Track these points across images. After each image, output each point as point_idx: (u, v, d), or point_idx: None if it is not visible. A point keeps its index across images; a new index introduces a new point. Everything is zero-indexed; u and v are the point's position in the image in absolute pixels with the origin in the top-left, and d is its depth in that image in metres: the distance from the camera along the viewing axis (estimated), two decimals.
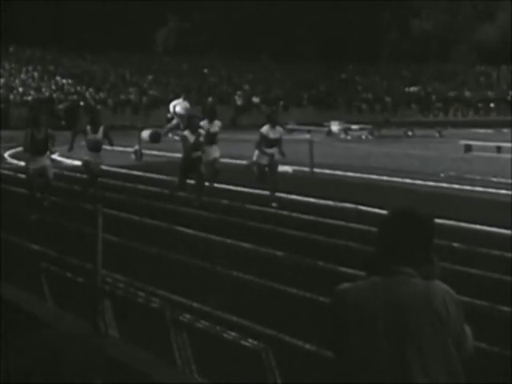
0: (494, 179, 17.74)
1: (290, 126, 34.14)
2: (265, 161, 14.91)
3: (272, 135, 14.84)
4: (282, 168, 16.13)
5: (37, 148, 13.83)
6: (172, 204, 14.07)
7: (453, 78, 60.42)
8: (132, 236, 11.01)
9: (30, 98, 42.05)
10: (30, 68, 46.65)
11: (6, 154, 24.49)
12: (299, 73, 54.43)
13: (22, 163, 15.77)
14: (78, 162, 18.64)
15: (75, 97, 43.71)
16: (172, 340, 5.67)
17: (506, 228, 11.56)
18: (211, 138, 15.63)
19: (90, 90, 45.21)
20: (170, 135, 32.58)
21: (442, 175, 18.93)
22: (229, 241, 10.74)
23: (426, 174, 18.78)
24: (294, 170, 19.12)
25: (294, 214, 13.29)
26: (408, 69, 60.40)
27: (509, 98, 56.74)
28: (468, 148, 26.18)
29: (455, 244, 10.25)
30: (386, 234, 3.07)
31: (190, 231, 11.59)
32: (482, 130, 37.27)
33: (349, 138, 34.70)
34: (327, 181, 18.45)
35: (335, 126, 36.72)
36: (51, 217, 12.39)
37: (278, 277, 8.66)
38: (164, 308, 5.99)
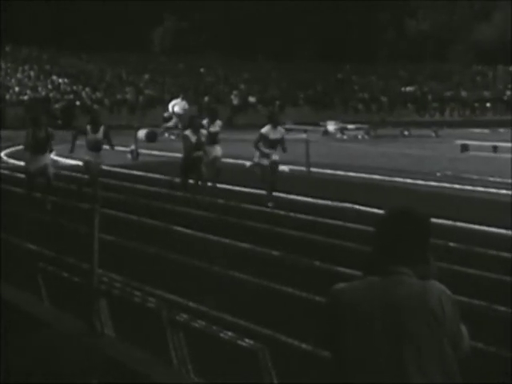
0: (491, 179, 17.76)
1: (287, 126, 34.10)
2: (266, 161, 14.91)
3: (272, 135, 14.82)
4: (279, 167, 16.12)
5: (38, 147, 14.08)
6: (169, 203, 14.07)
7: (449, 77, 60.48)
8: (128, 235, 11.01)
9: (26, 98, 42.00)
10: (26, 67, 46.60)
11: (3, 154, 24.47)
12: (295, 72, 54.44)
13: (20, 163, 15.78)
14: (75, 162, 18.64)
15: (71, 96, 43.71)
16: (168, 340, 5.67)
17: (504, 228, 11.57)
18: (213, 138, 15.73)
19: (87, 89, 45.20)
20: (166, 135, 32.60)
21: (438, 175, 18.94)
22: (225, 240, 10.75)
23: (422, 174, 18.78)
24: (291, 170, 19.13)
25: (291, 214, 13.30)
26: (404, 69, 60.45)
27: (505, 97, 56.84)
28: (464, 148, 26.19)
29: (451, 244, 10.26)
30: (383, 233, 3.07)
31: (186, 231, 11.60)
32: (478, 130, 37.29)
33: (345, 137, 34.71)
34: (324, 180, 18.48)
35: (331, 126, 36.72)
36: (49, 217, 12.39)
37: (275, 277, 8.66)
38: (160, 308, 5.99)
